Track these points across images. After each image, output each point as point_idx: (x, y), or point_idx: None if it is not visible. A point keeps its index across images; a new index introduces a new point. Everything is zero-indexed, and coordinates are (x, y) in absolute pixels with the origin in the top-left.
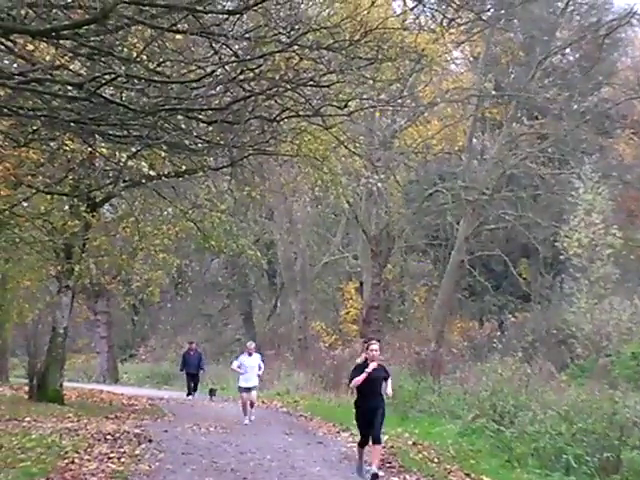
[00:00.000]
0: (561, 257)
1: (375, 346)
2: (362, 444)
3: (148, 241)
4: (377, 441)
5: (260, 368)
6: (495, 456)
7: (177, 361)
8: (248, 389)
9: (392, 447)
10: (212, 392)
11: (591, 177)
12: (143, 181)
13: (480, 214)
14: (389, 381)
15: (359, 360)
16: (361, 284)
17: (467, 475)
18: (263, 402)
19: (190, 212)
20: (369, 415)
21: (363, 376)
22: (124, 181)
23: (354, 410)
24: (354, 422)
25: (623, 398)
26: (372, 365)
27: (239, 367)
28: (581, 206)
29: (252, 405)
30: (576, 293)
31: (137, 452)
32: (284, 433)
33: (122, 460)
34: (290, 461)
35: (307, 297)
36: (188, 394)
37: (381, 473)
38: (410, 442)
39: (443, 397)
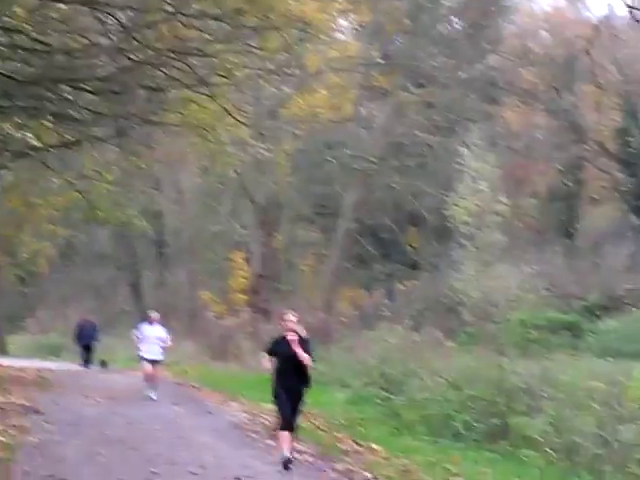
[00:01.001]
0: (449, 225)
1: (290, 316)
2: (285, 427)
3: (35, 212)
4: (290, 427)
5: (164, 340)
6: (384, 423)
7: (66, 332)
8: (150, 361)
9: None
10: (103, 363)
11: (478, 145)
12: (29, 152)
13: (368, 182)
14: (308, 356)
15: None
16: (249, 253)
17: (356, 443)
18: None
19: (77, 183)
20: (290, 396)
21: (269, 364)
22: (10, 152)
23: (272, 388)
24: (241, 393)
25: (511, 365)
26: (290, 340)
27: (139, 336)
28: (468, 174)
29: (155, 379)
30: (464, 261)
31: (25, 424)
32: (173, 403)
33: (10, 432)
34: (179, 431)
35: (195, 267)
36: (83, 365)
37: (289, 455)
38: None
39: (332, 365)
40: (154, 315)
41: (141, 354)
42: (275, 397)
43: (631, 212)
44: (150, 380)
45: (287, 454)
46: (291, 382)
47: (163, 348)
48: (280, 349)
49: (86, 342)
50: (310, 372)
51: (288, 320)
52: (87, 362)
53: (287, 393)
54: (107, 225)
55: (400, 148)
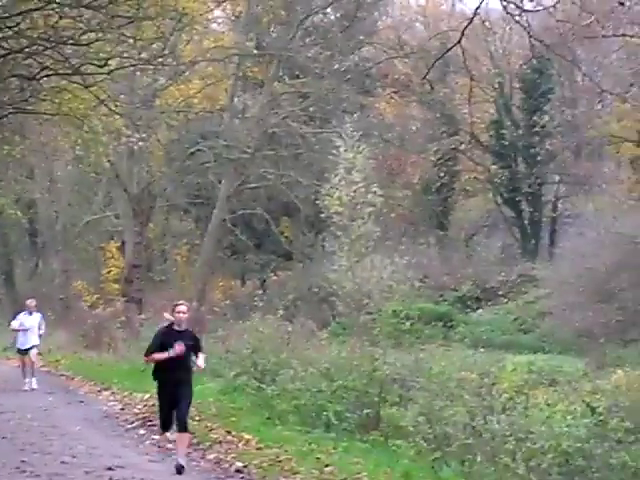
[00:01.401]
0: (322, 215)
1: (183, 307)
2: (164, 428)
3: None
4: (183, 427)
5: (40, 328)
6: (256, 413)
7: None
8: (27, 350)
9: (153, 405)
10: None
11: (352, 136)
12: None
13: (242, 173)
14: (201, 354)
15: (165, 322)
16: (123, 243)
17: (228, 432)
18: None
19: None
20: (172, 390)
21: (163, 356)
22: None
23: (154, 383)
24: (113, 382)
25: (383, 355)
26: (177, 349)
27: (17, 327)
28: (342, 165)
29: (32, 365)
30: (337, 251)
31: None
32: (45, 392)
33: None
34: (51, 420)
35: (68, 256)
36: None
37: (183, 462)
38: None
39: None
40: (32, 303)
41: (18, 346)
42: (158, 396)
43: (504, 204)
44: (25, 369)
45: (181, 460)
46: (176, 376)
47: (40, 336)
48: (168, 343)
49: None
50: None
51: (181, 311)
52: None
53: (173, 387)
54: None
55: (274, 139)
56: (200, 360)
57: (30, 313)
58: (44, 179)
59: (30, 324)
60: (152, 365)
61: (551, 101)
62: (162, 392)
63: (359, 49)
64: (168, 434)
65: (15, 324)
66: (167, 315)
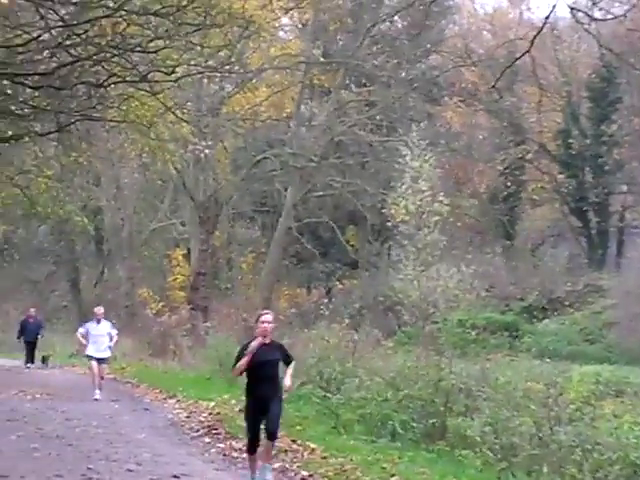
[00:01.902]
0: (388, 224)
1: (268, 317)
2: (251, 448)
3: None
4: (272, 436)
5: (111, 338)
6: (322, 423)
7: (4, 328)
8: (98, 359)
9: (219, 413)
10: (44, 359)
11: (418, 144)
12: None
13: (308, 181)
14: (290, 367)
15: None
16: (189, 251)
17: (294, 441)
18: (90, 369)
19: (16, 178)
20: (261, 406)
21: (245, 360)
22: None
23: (245, 399)
24: (179, 390)
25: (449, 365)
26: (255, 343)
27: (84, 336)
28: (408, 173)
29: (101, 379)
30: (403, 260)
31: None
32: (111, 400)
33: None
34: (116, 428)
35: (134, 264)
36: (27, 362)
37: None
38: (237, 409)
39: None
40: (100, 311)
41: (88, 352)
42: (245, 413)
43: (571, 214)
44: (95, 378)
45: (269, 466)
46: (266, 391)
47: (110, 346)
48: (258, 356)
49: (30, 339)
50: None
51: (266, 321)
52: (30, 359)
53: (262, 402)
54: (46, 220)
55: (340, 147)
56: (287, 379)
57: (98, 321)
58: (110, 186)
59: (98, 332)
60: (243, 381)
61: (619, 110)
62: (251, 408)
63: (426, 57)
64: (256, 454)
65: (81, 331)
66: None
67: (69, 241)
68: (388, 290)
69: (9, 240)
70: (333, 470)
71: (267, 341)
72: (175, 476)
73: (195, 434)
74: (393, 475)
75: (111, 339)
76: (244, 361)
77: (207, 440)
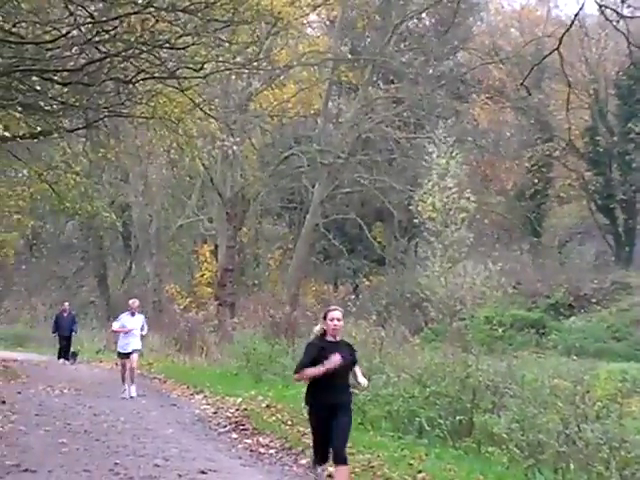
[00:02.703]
0: (415, 221)
1: (337, 313)
2: (320, 460)
3: (2, 202)
4: (341, 460)
5: (143, 329)
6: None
7: (32, 323)
8: (128, 354)
9: (246, 409)
10: (74, 355)
11: (445, 141)
12: None
13: (335, 177)
14: (358, 368)
15: (315, 330)
16: (216, 247)
17: None
18: (117, 364)
19: (45, 174)
20: (328, 415)
21: (319, 371)
22: None
23: (305, 407)
24: (206, 386)
25: (476, 362)
26: (336, 359)
27: (121, 327)
28: (435, 170)
29: (133, 371)
30: (430, 257)
31: None
32: (138, 395)
33: None
34: (144, 423)
35: (162, 260)
36: (59, 357)
37: None
38: (264, 404)
39: (297, 360)
40: (135, 304)
41: (119, 349)
42: (310, 422)
43: (598, 211)
44: (125, 375)
45: None
46: (334, 398)
47: (142, 336)
48: (322, 357)
49: (64, 334)
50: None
51: (335, 318)
52: (65, 355)
53: (329, 411)
54: (75, 216)
55: (368, 143)
56: (360, 376)
57: (133, 314)
58: (138, 182)
59: (132, 326)
60: (304, 386)
61: None
62: (316, 418)
63: (454, 54)
64: (320, 470)
65: (116, 325)
66: (317, 328)
67: (97, 237)
68: (415, 287)
69: (38, 236)
70: (360, 466)
71: (337, 339)
72: (202, 471)
73: (222, 430)
74: (420, 472)
75: (142, 329)
76: (316, 372)
77: (234, 436)
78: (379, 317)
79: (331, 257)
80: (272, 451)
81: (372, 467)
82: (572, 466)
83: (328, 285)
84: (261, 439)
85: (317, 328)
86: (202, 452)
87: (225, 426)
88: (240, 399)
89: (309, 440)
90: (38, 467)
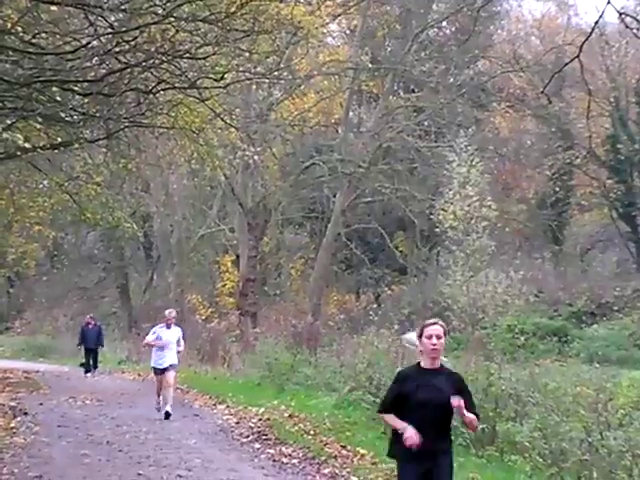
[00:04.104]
0: (437, 230)
1: (438, 328)
2: None
3: (23, 213)
4: None
5: (180, 344)
6: (371, 428)
7: (53, 334)
8: (163, 370)
9: (268, 419)
10: (83, 366)
11: (466, 150)
12: (18, 153)
13: (357, 187)
14: (457, 397)
15: (408, 340)
16: (237, 257)
17: (343, 447)
18: (139, 375)
19: (66, 184)
20: (424, 466)
21: (399, 429)
22: None
23: (395, 454)
24: (228, 396)
25: (498, 370)
26: (410, 438)
27: (155, 340)
28: (456, 179)
29: (168, 390)
30: (452, 266)
31: (12, 425)
32: (156, 408)
33: None
34: (166, 433)
35: (183, 270)
36: (86, 371)
37: None
38: (286, 414)
39: (319, 370)
40: (171, 315)
41: (153, 364)
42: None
43: (619, 219)
44: (163, 392)
45: None
46: (431, 445)
47: (179, 352)
48: (419, 392)
49: (90, 346)
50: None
51: (434, 335)
52: (90, 367)
53: (427, 463)
54: (96, 227)
55: (389, 153)
56: (466, 412)
57: (169, 326)
58: (159, 193)
59: (168, 339)
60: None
61: None
62: (409, 472)
63: (474, 63)
64: None
65: (150, 338)
66: (408, 339)
67: (118, 247)
68: (437, 296)
69: (59, 247)
70: (383, 475)
71: (436, 365)
72: None
73: (245, 440)
74: None
75: (179, 344)
76: (397, 426)
77: (257, 446)
78: (401, 326)
79: (353, 266)
80: (295, 461)
81: (395, 476)
82: (595, 474)
83: (350, 294)
84: (284, 449)
85: (407, 341)
86: (225, 462)
87: (248, 436)
88: (263, 409)
89: (331, 450)
90: (60, 478)
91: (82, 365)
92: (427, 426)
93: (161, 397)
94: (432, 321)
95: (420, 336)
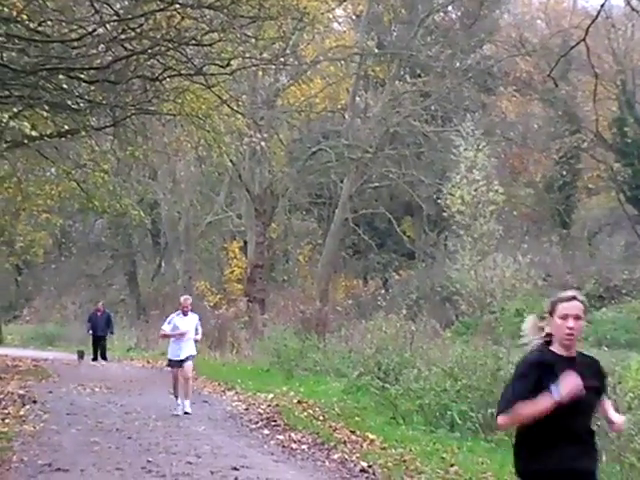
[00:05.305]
0: (444, 214)
1: (576, 305)
2: None
3: (31, 201)
4: None
5: (197, 332)
6: (380, 413)
7: (62, 322)
8: (181, 362)
9: (277, 405)
10: (80, 354)
11: (472, 134)
12: (25, 141)
13: (364, 172)
14: (607, 401)
15: (532, 340)
16: (245, 243)
17: (352, 432)
18: (148, 362)
19: (73, 172)
20: None
21: (545, 405)
22: (6, 141)
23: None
24: (237, 382)
25: (507, 354)
26: (569, 382)
27: (173, 330)
28: (463, 163)
29: (187, 383)
30: (460, 250)
31: (21, 413)
32: (169, 392)
33: (6, 421)
34: (175, 420)
35: (191, 257)
36: (94, 359)
37: None
38: (295, 400)
39: (328, 355)
40: (187, 302)
41: (169, 356)
42: None
43: (627, 202)
44: (177, 386)
45: None
46: (581, 463)
47: (196, 341)
48: (550, 383)
49: (99, 334)
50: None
51: (571, 315)
52: (100, 355)
53: None
54: (103, 215)
55: (396, 138)
56: (613, 412)
57: (185, 314)
58: (167, 180)
59: (185, 328)
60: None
61: None
62: None
63: (480, 47)
64: None
65: (167, 328)
66: (532, 324)
67: (126, 235)
68: (445, 280)
69: (67, 234)
70: (392, 460)
71: (573, 354)
72: (235, 468)
73: (254, 426)
74: (452, 465)
75: (197, 333)
76: (538, 409)
77: (266, 432)
78: (409, 311)
79: (361, 252)
80: (304, 447)
81: (404, 461)
82: (604, 457)
83: (358, 280)
84: (293, 435)
85: (528, 326)
86: (234, 449)
87: (257, 422)
88: (271, 395)
89: (341, 435)
90: (70, 466)
91: (78, 352)
92: (568, 429)
93: (180, 397)
94: (569, 294)
95: (551, 313)
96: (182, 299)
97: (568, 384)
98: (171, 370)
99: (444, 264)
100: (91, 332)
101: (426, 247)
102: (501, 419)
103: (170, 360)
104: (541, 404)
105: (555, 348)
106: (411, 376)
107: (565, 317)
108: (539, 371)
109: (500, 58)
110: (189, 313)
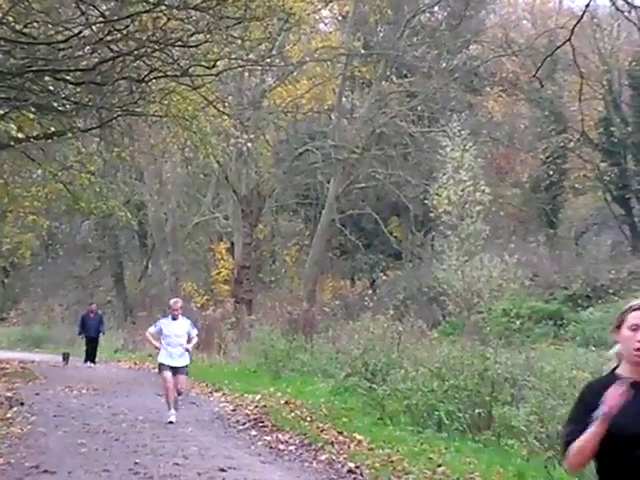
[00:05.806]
0: (431, 215)
1: None
2: None
3: (17, 203)
4: None
5: (190, 337)
6: (367, 414)
7: (49, 324)
8: (173, 368)
9: (264, 406)
10: (65, 356)
11: (459, 135)
12: (12, 143)
13: (350, 173)
14: None
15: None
16: (232, 244)
17: (340, 433)
18: (135, 364)
19: (59, 174)
20: None
21: (594, 432)
22: None
23: None
24: (224, 383)
25: (494, 354)
26: (612, 397)
27: (155, 337)
28: (450, 164)
29: (179, 393)
30: (447, 250)
31: (9, 415)
32: (156, 394)
33: None
34: (163, 422)
35: (178, 258)
36: (86, 360)
37: None
38: (283, 401)
39: (315, 356)
40: (177, 305)
41: (160, 360)
42: None
43: (613, 201)
44: (169, 393)
45: None
46: None
47: (188, 350)
48: (625, 420)
49: (91, 335)
50: None
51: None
52: (91, 358)
53: None
54: (90, 216)
55: (382, 138)
56: None
57: (174, 318)
58: (153, 181)
59: (174, 332)
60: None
61: None
62: None
63: (467, 47)
64: None
65: (152, 331)
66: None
67: (113, 236)
68: (432, 281)
69: (53, 236)
70: (380, 461)
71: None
72: (222, 469)
73: (241, 427)
74: (440, 465)
75: (189, 341)
76: (588, 441)
77: (253, 433)
78: (397, 311)
79: (348, 252)
80: (291, 447)
81: (392, 462)
82: None
83: (345, 280)
84: (280, 436)
85: (612, 352)
86: (221, 450)
87: (244, 423)
88: (259, 396)
89: (328, 436)
90: (57, 468)
91: (64, 355)
92: (633, 461)
93: (170, 404)
94: (635, 304)
95: (619, 326)
96: (171, 302)
97: (611, 396)
98: (161, 375)
99: (431, 264)
100: (84, 334)
101: (413, 247)
102: (565, 465)
103: (161, 364)
104: (590, 431)
105: (621, 369)
106: (398, 376)
107: (636, 328)
108: (590, 400)
109: (486, 58)
110: (179, 317)
